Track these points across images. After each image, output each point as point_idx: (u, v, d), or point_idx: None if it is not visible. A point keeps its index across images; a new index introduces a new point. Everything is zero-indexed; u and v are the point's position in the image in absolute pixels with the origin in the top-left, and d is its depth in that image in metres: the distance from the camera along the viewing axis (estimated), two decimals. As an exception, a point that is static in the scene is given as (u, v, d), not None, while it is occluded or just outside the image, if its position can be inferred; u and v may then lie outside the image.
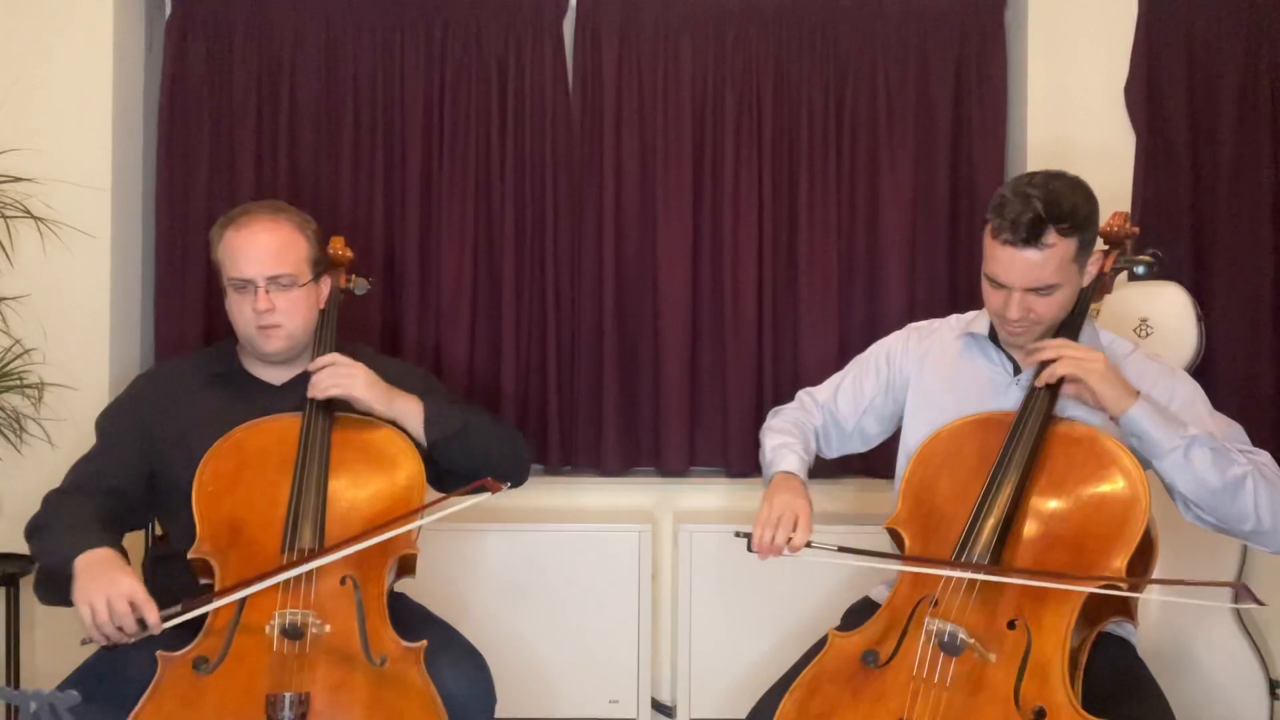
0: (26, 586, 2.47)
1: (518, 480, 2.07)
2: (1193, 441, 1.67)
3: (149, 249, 2.98)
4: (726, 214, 2.98)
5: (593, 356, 3.00)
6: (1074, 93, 2.94)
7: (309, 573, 1.75)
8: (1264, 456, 1.75)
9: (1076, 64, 2.94)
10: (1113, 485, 1.69)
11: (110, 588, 1.63)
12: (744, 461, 2.98)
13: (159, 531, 2.10)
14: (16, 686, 2.18)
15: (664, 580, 2.96)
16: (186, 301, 2.91)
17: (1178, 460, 1.67)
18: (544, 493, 3.01)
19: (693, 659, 2.81)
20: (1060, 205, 1.70)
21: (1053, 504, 1.72)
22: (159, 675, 1.66)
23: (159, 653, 1.67)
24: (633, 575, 2.81)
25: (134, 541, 2.20)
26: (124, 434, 1.98)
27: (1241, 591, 1.59)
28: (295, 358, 2.03)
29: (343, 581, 1.78)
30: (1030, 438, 1.73)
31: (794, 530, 1.76)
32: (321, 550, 1.77)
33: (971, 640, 1.61)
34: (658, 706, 2.91)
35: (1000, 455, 1.73)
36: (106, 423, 2.02)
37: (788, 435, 2.00)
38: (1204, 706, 2.59)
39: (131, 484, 1.94)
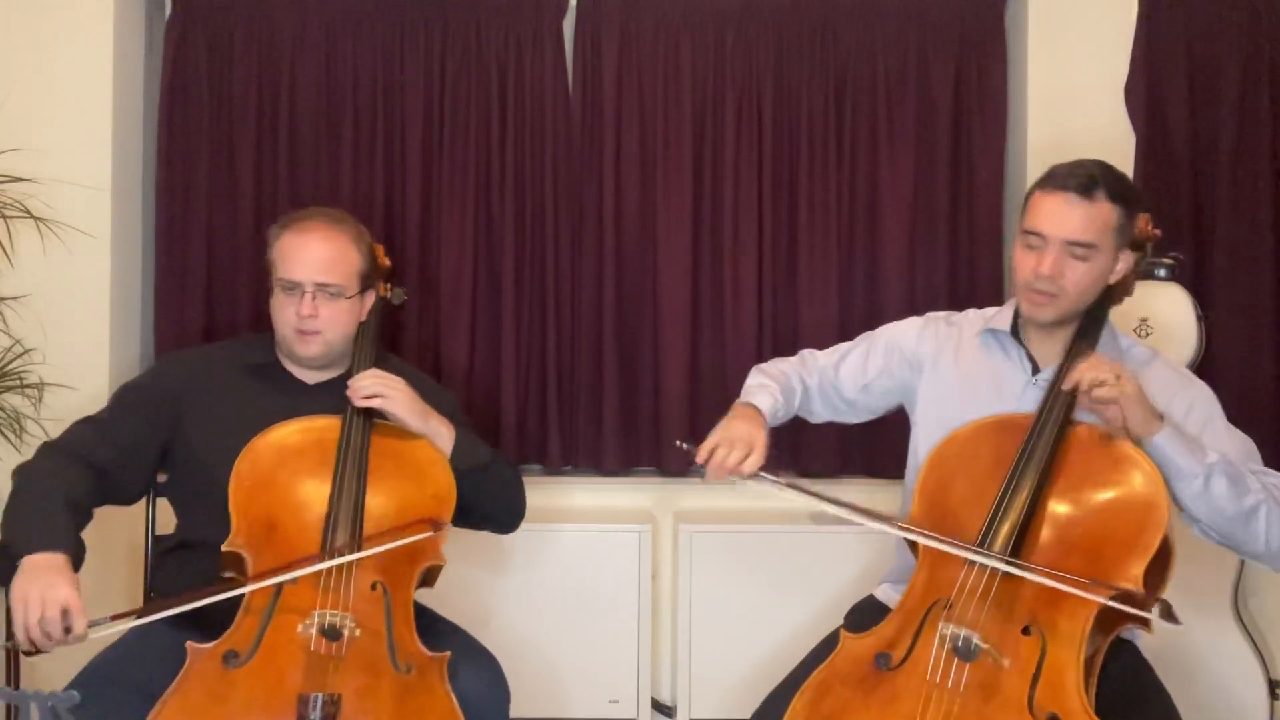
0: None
1: (510, 528, 2.12)
2: (1212, 470, 1.65)
3: (149, 249, 2.98)
4: (726, 214, 2.97)
5: (593, 356, 3.00)
6: (1074, 93, 2.94)
7: (348, 576, 1.76)
8: (1276, 478, 1.75)
9: (1076, 64, 2.94)
10: (1131, 491, 1.66)
11: (48, 591, 1.64)
12: (744, 461, 2.98)
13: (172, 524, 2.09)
14: (16, 687, 2.17)
15: (664, 580, 2.96)
16: (186, 301, 2.91)
17: (1198, 488, 1.66)
18: (544, 493, 3.00)
19: (693, 659, 2.81)
20: (1112, 173, 1.81)
21: (1070, 509, 1.68)
22: (187, 666, 1.66)
23: (189, 644, 1.68)
24: (633, 575, 2.81)
25: (133, 531, 2.20)
26: (137, 409, 1.98)
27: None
28: (330, 364, 2.04)
29: (373, 587, 1.79)
30: (1048, 441, 1.69)
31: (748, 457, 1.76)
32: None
33: (986, 645, 1.59)
34: (658, 706, 2.91)
35: (1017, 458, 1.70)
36: (123, 394, 2.02)
37: (771, 380, 1.98)
38: (1205, 707, 2.58)
39: (124, 461, 1.94)
